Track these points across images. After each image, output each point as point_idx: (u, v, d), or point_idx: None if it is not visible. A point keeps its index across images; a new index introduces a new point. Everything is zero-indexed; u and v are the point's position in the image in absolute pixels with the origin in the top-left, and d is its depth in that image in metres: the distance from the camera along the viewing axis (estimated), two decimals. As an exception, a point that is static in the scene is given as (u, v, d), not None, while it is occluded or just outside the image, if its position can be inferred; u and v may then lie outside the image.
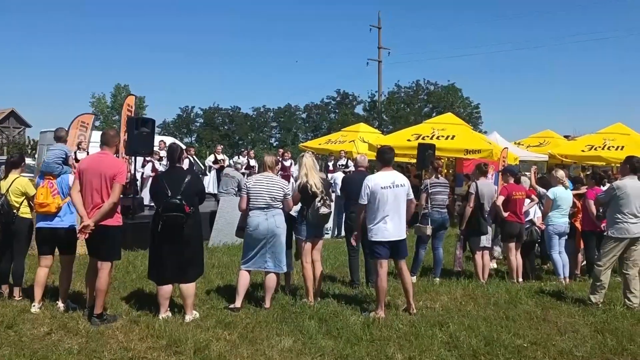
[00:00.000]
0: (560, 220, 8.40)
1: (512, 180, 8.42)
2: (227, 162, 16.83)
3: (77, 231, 5.69)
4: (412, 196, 6.19)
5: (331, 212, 6.65)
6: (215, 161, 15.79)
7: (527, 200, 8.46)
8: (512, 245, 8.25)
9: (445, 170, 18.51)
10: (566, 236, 8.59)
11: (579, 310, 6.69)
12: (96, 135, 15.05)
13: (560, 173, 8.56)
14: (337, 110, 54.18)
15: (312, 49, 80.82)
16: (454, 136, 16.54)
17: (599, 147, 20.17)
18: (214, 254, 10.14)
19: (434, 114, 38.85)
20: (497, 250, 9.12)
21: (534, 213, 8.75)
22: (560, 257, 8.44)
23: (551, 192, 8.40)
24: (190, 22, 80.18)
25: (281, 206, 6.36)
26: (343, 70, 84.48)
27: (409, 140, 16.73)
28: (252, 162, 16.25)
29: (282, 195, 6.31)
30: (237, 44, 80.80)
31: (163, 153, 14.59)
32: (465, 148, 15.93)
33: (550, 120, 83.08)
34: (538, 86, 78.27)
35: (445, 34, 73.87)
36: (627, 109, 71.02)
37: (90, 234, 5.57)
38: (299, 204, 6.64)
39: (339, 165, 15.95)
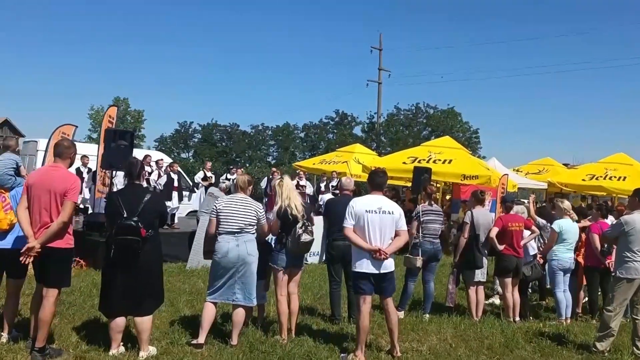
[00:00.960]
0: (565, 255, 7.76)
1: (513, 210, 7.80)
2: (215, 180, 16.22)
3: (21, 253, 5.03)
4: (403, 226, 5.55)
5: (313, 239, 6.01)
6: (204, 178, 15.19)
7: (527, 232, 7.82)
8: (509, 281, 7.59)
9: (442, 196, 18.00)
10: (570, 272, 7.94)
11: (582, 358, 6.03)
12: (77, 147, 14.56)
13: (567, 204, 7.96)
14: (335, 131, 53.72)
15: (312, 69, 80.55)
16: (451, 160, 15.98)
17: (601, 176, 19.64)
18: (189, 278, 9.51)
19: (433, 137, 38.41)
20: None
21: (535, 246, 8.12)
22: (564, 296, 7.78)
23: (556, 225, 7.77)
24: (191, 37, 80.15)
25: (254, 231, 5.73)
26: (342, 91, 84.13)
27: (404, 162, 16.18)
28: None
29: (255, 219, 5.69)
30: (237, 61, 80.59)
31: (148, 168, 13.98)
32: (463, 173, 15.36)
33: (549, 147, 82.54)
34: (538, 113, 77.97)
35: (446, 57, 73.71)
36: (629, 139, 70.44)
37: (36, 257, 4.92)
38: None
39: (331, 186, 15.34)
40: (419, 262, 7.29)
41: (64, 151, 5.20)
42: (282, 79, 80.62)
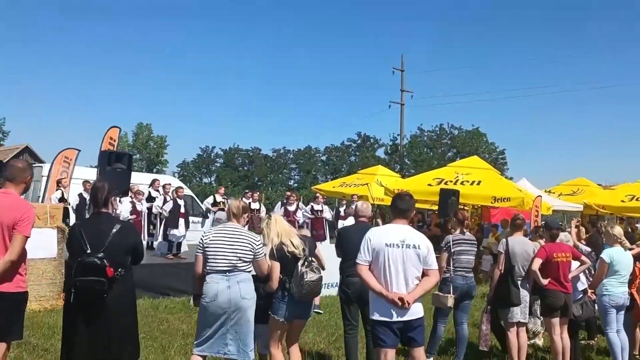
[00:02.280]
0: (618, 289, 6.60)
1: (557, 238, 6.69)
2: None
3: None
4: (432, 264, 4.52)
5: (321, 277, 5.02)
6: (214, 203, 14.29)
7: (575, 264, 6.70)
8: (556, 321, 6.46)
9: (470, 220, 16.85)
10: (624, 309, 6.77)
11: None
12: (79, 172, 13.86)
13: (618, 230, 6.81)
14: (357, 153, 52.99)
15: (333, 91, 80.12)
16: (480, 182, 14.88)
17: (643, 197, 18.32)
18: (191, 316, 8.52)
19: (458, 159, 37.32)
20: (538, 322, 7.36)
21: (585, 281, 6.98)
22: (618, 336, 6.60)
23: (606, 254, 6.63)
24: (212, 63, 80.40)
25: (250, 268, 4.76)
26: (364, 113, 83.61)
27: (430, 185, 15.12)
28: (255, 205, 14.69)
29: (251, 254, 4.72)
30: (258, 85, 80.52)
31: (155, 193, 13.16)
32: (493, 195, 14.24)
33: (580, 167, 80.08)
34: (568, 132, 75.69)
35: (471, 76, 72.47)
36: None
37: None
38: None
39: (350, 211, 14.30)
40: (450, 301, 6.21)
41: (16, 174, 4.28)
42: (303, 102, 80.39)
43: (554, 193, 22.21)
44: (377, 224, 14.59)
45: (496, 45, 75.04)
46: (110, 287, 4.11)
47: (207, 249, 4.68)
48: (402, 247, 4.36)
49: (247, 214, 5.04)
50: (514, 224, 6.64)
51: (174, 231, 11.70)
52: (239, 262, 4.67)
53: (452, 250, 6.39)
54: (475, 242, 6.64)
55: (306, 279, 4.82)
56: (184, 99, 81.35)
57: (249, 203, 15.11)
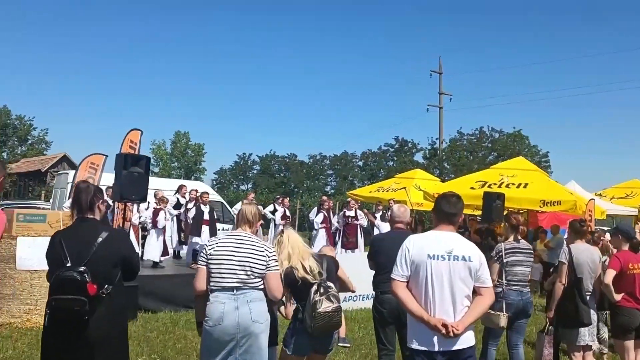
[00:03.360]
0: None
1: (625, 247, 5.73)
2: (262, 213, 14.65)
3: None
4: (486, 280, 3.67)
5: (339, 306, 4.24)
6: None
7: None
8: (630, 344, 5.52)
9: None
10: None
11: None
12: (107, 178, 13.36)
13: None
14: (395, 158, 52.01)
15: (370, 96, 79.08)
16: (527, 184, 13.80)
17: None
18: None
19: (499, 163, 36.03)
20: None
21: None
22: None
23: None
24: (248, 69, 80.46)
25: (262, 286, 4.00)
26: (402, 117, 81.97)
27: (472, 188, 14.11)
28: (288, 212, 13.98)
29: (263, 266, 3.96)
30: (293, 91, 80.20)
31: (182, 200, 12.54)
32: (542, 199, 13.14)
33: (632, 169, 76.72)
34: (617, 133, 72.60)
35: (511, 78, 70.41)
36: None
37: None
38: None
39: (387, 217, 13.42)
40: (503, 320, 5.30)
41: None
42: (339, 107, 79.58)
43: (605, 196, 20.87)
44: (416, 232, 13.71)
45: (536, 46, 72.87)
46: (93, 308, 3.41)
47: (211, 261, 3.94)
48: (449, 260, 3.54)
49: (260, 222, 4.29)
50: (576, 230, 5.71)
51: (196, 239, 11.04)
52: (250, 277, 3.93)
53: (505, 261, 5.48)
54: (532, 251, 5.71)
55: (319, 309, 4.06)
56: (221, 106, 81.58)
57: (285, 210, 14.41)
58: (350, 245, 14.20)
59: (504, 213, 10.71)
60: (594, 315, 5.56)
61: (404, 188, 16.23)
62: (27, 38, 67.25)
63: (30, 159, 42.55)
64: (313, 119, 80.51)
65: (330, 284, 4.26)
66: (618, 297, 5.51)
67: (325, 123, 79.49)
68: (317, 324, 4.09)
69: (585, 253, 5.60)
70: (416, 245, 3.63)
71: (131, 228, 11.54)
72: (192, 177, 49.43)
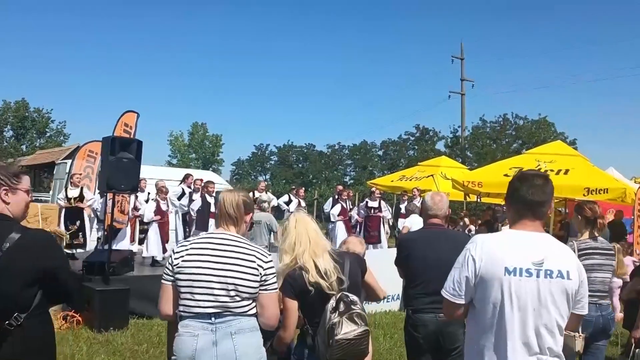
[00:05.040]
0: None
1: None
2: (273, 204, 13.49)
3: None
4: (585, 308, 2.52)
5: (366, 330, 2.99)
6: (254, 200, 12.42)
7: None
8: None
9: (553, 217, 14.41)
10: None
11: None
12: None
13: None
14: (416, 147, 50.65)
15: (389, 83, 77.42)
16: (567, 170, 12.40)
17: None
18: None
19: (524, 151, 34.51)
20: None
21: None
22: None
23: None
24: (265, 61, 79.31)
25: (253, 310, 2.80)
26: (422, 105, 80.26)
27: (506, 175, 12.73)
28: (303, 203, 12.80)
29: (255, 283, 2.77)
30: (311, 79, 78.91)
31: (188, 190, 11.38)
32: (586, 186, 11.73)
33: None
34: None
35: (536, 63, 68.21)
36: None
37: None
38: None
39: (412, 207, 12.18)
40: (578, 343, 4.04)
41: None
42: (358, 95, 78.16)
43: (645, 183, 19.39)
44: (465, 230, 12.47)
45: (559, 30, 70.43)
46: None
47: (179, 277, 2.75)
48: (538, 276, 2.31)
49: (251, 215, 3.06)
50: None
51: (203, 234, 9.89)
52: (235, 300, 2.75)
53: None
54: (613, 253, 4.41)
55: (339, 336, 2.82)
56: (238, 96, 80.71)
57: (299, 201, 13.23)
58: (373, 240, 13.02)
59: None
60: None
61: (432, 176, 14.92)
62: (44, 32, 66.92)
63: (45, 151, 42.06)
64: (331, 108, 79.27)
65: (354, 297, 3.03)
66: None
67: (343, 112, 78.22)
68: (335, 355, 2.90)
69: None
70: (487, 252, 2.40)
71: (128, 222, 10.49)
72: (210, 168, 49.12)
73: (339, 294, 2.95)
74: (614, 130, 69.83)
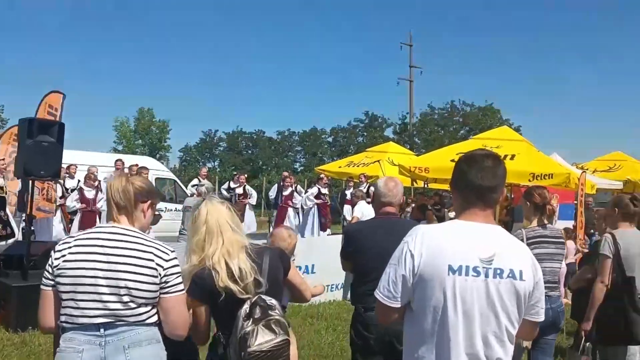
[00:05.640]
0: None
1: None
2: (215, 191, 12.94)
3: None
4: (540, 314, 2.20)
5: (285, 340, 2.53)
6: (194, 186, 11.87)
7: None
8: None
9: (500, 202, 14.44)
10: None
11: None
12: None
13: None
14: (365, 134, 50.86)
15: (339, 69, 77.09)
16: (514, 155, 12.35)
17: (696, 171, 15.81)
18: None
19: (470, 137, 34.95)
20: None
21: None
22: None
23: None
24: (213, 44, 77.62)
25: (154, 318, 2.35)
26: (371, 91, 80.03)
27: (453, 160, 12.58)
28: (240, 190, 12.30)
29: (154, 286, 2.32)
30: (260, 65, 77.66)
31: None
32: (532, 172, 11.71)
33: (612, 142, 75.92)
34: (591, 105, 72.02)
35: (484, 50, 69.16)
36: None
37: None
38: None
39: (358, 193, 11.88)
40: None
41: None
42: (308, 81, 77.49)
43: (587, 170, 19.75)
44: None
45: (509, 18, 71.73)
46: None
47: (60, 280, 2.28)
48: (486, 276, 1.95)
49: (149, 204, 2.58)
50: (623, 209, 4.17)
51: (91, 228, 9.27)
52: (128, 306, 2.30)
53: (528, 254, 3.92)
54: (563, 241, 4.14)
55: (253, 347, 2.39)
56: (186, 81, 78.72)
57: (245, 189, 12.76)
58: (328, 226, 12.85)
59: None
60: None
61: (378, 161, 14.68)
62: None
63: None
64: (281, 94, 78.44)
65: (272, 301, 2.59)
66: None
67: (293, 98, 77.49)
68: None
69: (635, 242, 4.10)
70: (428, 247, 2.03)
71: (59, 212, 9.77)
72: (157, 155, 48.04)
73: (255, 298, 2.52)
74: (556, 117, 71.66)
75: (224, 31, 75.86)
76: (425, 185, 14.42)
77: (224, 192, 12.85)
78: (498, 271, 1.99)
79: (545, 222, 4.01)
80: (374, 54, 76.94)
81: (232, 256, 2.57)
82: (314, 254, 8.55)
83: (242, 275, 2.54)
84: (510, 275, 2.00)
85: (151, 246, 2.41)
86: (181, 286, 2.45)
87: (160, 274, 2.38)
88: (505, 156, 12.45)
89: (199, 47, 76.63)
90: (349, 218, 10.42)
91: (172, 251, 2.45)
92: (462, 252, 2.02)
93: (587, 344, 4.07)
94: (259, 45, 76.62)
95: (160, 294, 2.38)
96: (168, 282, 2.41)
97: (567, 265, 8.82)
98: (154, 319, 2.39)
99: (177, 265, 2.45)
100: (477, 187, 2.14)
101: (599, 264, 4.07)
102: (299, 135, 54.97)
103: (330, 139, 54.48)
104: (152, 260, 2.36)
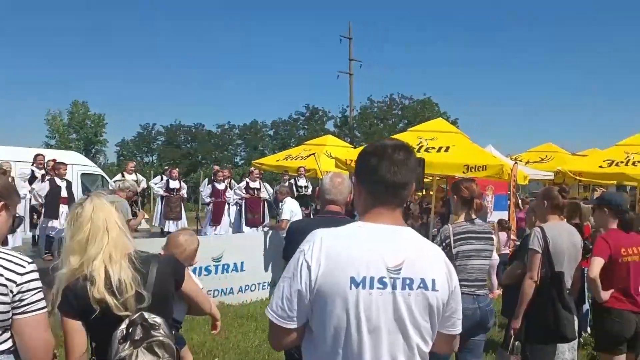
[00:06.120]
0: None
1: (613, 225, 4.13)
2: (142, 186, 12.36)
3: None
4: (457, 326, 1.91)
5: None
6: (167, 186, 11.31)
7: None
8: (622, 358, 3.94)
9: (435, 194, 14.47)
10: None
11: None
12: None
13: None
14: (306, 127, 50.81)
15: (279, 62, 76.51)
16: (448, 147, 12.33)
17: (622, 162, 16.26)
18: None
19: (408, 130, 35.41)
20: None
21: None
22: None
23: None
24: (151, 35, 75.45)
25: (7, 345, 1.99)
26: (312, 84, 79.99)
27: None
28: (173, 184, 11.76)
29: (4, 307, 1.98)
30: (200, 57, 76.17)
31: (39, 172, 10.01)
32: (466, 163, 11.68)
33: (544, 134, 78.79)
34: (530, 97, 74.31)
35: (422, 43, 70.23)
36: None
37: None
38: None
39: (298, 187, 11.60)
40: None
41: None
42: (248, 74, 76.63)
43: (520, 161, 20.21)
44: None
45: (445, 14, 73.00)
46: None
47: None
48: (396, 288, 1.67)
49: (1, 205, 2.18)
50: (552, 202, 4.03)
51: (53, 222, 8.62)
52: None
53: (455, 252, 3.71)
54: (492, 236, 3.95)
55: None
56: (122, 73, 76.25)
57: (180, 183, 12.25)
58: (256, 222, 12.37)
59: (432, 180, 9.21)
60: (576, 324, 3.94)
61: (314, 154, 14.43)
62: None
63: None
64: (220, 87, 77.14)
65: (156, 319, 2.21)
66: (606, 295, 3.94)
67: (233, 91, 76.36)
68: None
69: (565, 236, 3.96)
70: (328, 255, 1.74)
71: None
72: (93, 150, 46.49)
73: (135, 316, 2.16)
74: (491, 110, 73.66)
75: (162, 22, 73.93)
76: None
77: (154, 188, 12.29)
78: (407, 281, 1.71)
79: (473, 216, 3.82)
80: (316, 47, 76.91)
81: (114, 261, 2.21)
82: (244, 251, 8.18)
83: (121, 288, 2.17)
84: (421, 285, 1.73)
85: (2, 257, 2.01)
86: (41, 304, 2.06)
87: (12, 291, 1.99)
88: (441, 148, 12.47)
89: (137, 39, 74.44)
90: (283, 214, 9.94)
91: (30, 263, 2.06)
92: (367, 260, 1.74)
93: (517, 342, 3.91)
94: (195, 36, 75.19)
95: (13, 314, 2.00)
96: (23, 300, 2.02)
97: (500, 255, 8.78)
98: (8, 344, 2.00)
99: (36, 280, 2.06)
100: (389, 184, 1.85)
101: (528, 259, 3.92)
102: (239, 128, 54.44)
103: (271, 132, 54.19)
104: (1, 275, 1.97)
